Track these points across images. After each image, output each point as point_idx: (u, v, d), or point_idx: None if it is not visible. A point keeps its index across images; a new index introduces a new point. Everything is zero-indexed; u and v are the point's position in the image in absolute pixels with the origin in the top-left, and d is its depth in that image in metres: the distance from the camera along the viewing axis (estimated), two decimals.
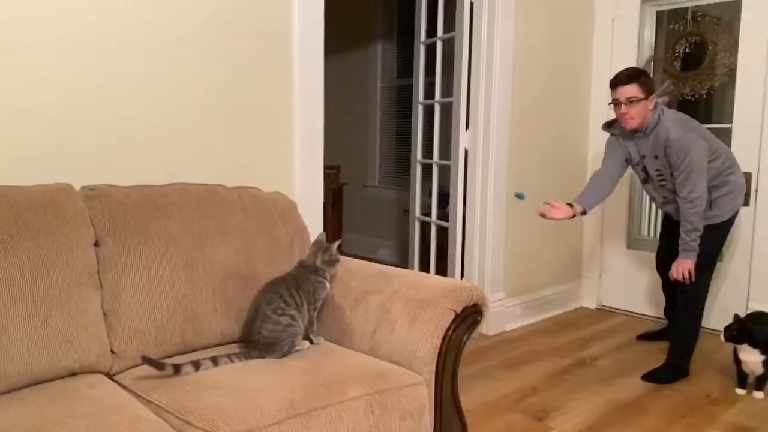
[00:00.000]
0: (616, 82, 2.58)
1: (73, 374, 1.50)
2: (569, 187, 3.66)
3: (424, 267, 3.51)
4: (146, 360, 1.50)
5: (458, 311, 1.70)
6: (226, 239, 1.83)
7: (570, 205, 2.71)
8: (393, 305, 1.76)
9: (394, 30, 5.07)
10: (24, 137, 1.74)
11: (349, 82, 5.14)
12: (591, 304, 3.82)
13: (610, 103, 2.64)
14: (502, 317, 3.28)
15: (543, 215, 2.71)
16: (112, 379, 1.54)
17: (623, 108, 2.55)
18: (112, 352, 1.58)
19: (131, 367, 1.59)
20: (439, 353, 1.67)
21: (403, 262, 4.13)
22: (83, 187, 1.70)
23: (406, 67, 4.97)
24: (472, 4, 3.14)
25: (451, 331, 1.68)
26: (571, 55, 3.59)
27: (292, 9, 2.32)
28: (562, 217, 2.69)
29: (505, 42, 3.15)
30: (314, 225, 2.28)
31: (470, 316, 1.73)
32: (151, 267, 1.65)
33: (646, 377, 2.68)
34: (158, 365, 1.49)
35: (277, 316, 1.67)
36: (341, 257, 1.90)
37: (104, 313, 1.58)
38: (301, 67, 2.35)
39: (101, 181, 1.77)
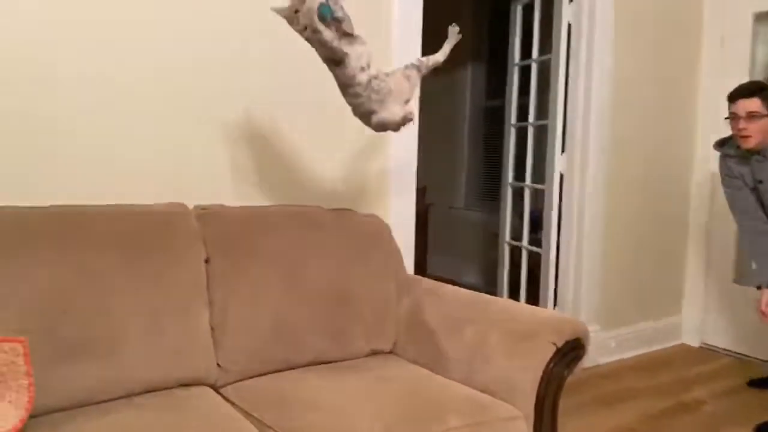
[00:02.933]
0: (735, 95, 2.39)
1: (182, 385, 1.57)
2: (670, 215, 3.48)
3: (514, 293, 3.43)
4: None
5: (560, 345, 1.63)
6: (324, 260, 1.86)
7: None
8: (490, 334, 1.72)
9: (484, 51, 5.04)
10: (141, 157, 1.86)
11: (438, 102, 5.15)
12: (693, 341, 3.57)
13: (726, 118, 2.44)
14: (597, 350, 3.13)
15: None
16: (218, 392, 1.60)
17: (741, 123, 2.35)
18: (218, 365, 1.64)
19: (234, 382, 1.64)
20: (539, 388, 1.60)
21: (490, 287, 4.05)
22: (196, 207, 1.79)
23: (495, 89, 4.92)
24: (570, 26, 3.08)
25: (552, 365, 1.61)
26: (675, 77, 3.42)
27: (390, 31, 2.36)
28: None
29: (604, 63, 3.05)
30: (405, 248, 2.28)
31: (572, 351, 1.66)
32: (255, 285, 1.71)
33: (761, 430, 2.46)
34: None
35: None
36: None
37: (212, 328, 1.65)
38: None
39: (211, 201, 1.86)
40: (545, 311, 1.82)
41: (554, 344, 1.63)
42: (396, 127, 1.69)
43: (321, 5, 1.49)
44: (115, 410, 1.41)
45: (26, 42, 1.66)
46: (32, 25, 1.66)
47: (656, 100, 3.33)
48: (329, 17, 1.51)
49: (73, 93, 1.73)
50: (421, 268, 4.38)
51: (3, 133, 1.64)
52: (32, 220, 1.49)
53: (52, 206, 1.56)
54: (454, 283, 2.07)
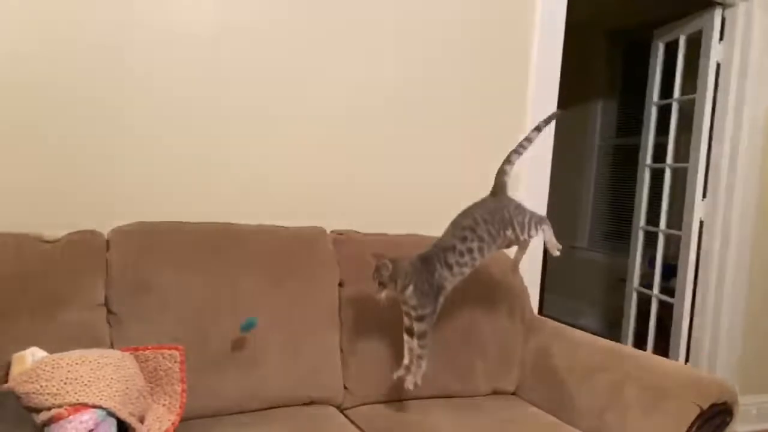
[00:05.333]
0: None
1: (311, 403, 1.63)
2: None
3: (639, 344, 3.22)
4: None
5: (704, 408, 1.50)
6: (451, 294, 1.85)
7: None
8: (625, 388, 1.62)
9: (617, 87, 4.86)
10: (286, 182, 1.98)
11: (567, 137, 5.00)
12: None
13: None
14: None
15: None
16: (343, 414, 1.64)
17: None
18: (345, 387, 1.69)
19: (359, 405, 1.68)
20: None
21: (611, 334, 3.82)
22: (332, 231, 1.87)
23: (627, 126, 4.72)
24: (718, 65, 2.90)
25: (694, 429, 1.49)
26: None
27: (529, 71, 2.36)
28: None
29: (756, 105, 2.83)
30: (531, 287, 2.23)
31: (718, 416, 1.53)
32: (384, 313, 1.73)
33: None
34: None
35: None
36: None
37: (341, 350, 1.70)
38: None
39: (343, 226, 1.94)
40: (687, 369, 1.70)
41: (698, 406, 1.51)
42: None
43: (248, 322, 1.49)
44: (250, 423, 1.49)
45: (195, 78, 1.85)
46: (197, 63, 1.85)
47: None
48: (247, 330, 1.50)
49: (232, 127, 1.89)
50: (539, 307, 4.25)
51: (175, 157, 1.83)
52: (192, 235, 1.64)
53: (210, 223, 1.70)
54: (570, 326, 1.98)
